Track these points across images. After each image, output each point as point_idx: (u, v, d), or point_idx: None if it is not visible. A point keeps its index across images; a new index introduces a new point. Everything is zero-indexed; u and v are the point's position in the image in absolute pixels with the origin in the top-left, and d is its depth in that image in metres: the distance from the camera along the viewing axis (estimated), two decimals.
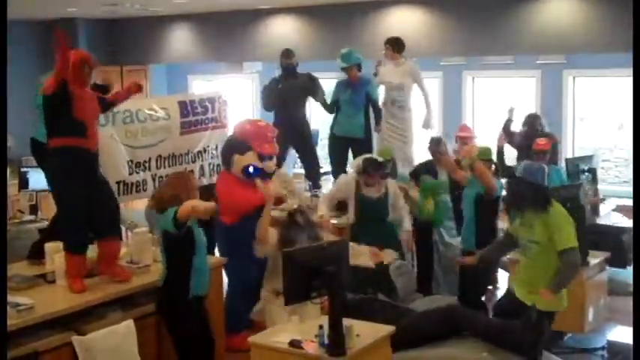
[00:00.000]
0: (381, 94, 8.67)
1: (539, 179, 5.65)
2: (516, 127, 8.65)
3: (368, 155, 7.40)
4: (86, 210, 5.50)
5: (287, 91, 8.28)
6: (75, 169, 5.44)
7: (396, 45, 8.61)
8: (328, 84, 8.75)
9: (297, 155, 9.19)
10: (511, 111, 8.62)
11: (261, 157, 6.44)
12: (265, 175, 6.36)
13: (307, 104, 8.74)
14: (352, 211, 7.10)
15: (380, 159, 7.24)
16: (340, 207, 7.43)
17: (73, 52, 5.41)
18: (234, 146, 6.55)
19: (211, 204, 5.31)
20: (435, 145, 7.41)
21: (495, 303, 6.29)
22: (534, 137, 7.94)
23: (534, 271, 5.45)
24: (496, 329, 5.29)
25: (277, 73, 8.78)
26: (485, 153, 6.70)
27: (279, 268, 5.71)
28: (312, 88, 8.51)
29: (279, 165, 8.36)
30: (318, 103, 8.72)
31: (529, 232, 5.44)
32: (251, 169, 6.26)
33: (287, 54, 8.34)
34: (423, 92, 8.66)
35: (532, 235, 5.42)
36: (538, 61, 10.92)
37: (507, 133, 8.35)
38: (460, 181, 6.87)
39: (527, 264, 5.53)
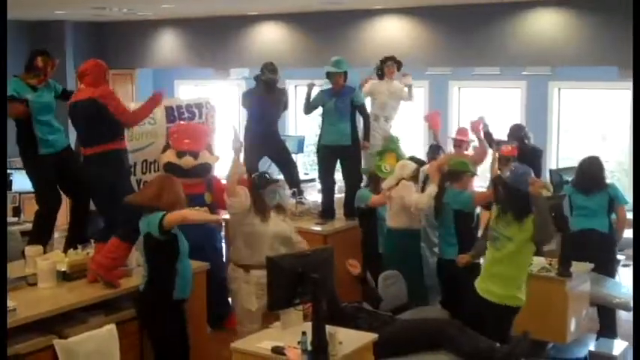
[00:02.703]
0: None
1: (523, 186, 5.65)
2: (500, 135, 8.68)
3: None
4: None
5: (266, 104, 8.32)
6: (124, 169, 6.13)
7: (399, 64, 8.68)
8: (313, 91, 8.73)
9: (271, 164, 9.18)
10: (482, 118, 8.67)
11: (179, 154, 6.81)
12: (183, 173, 6.56)
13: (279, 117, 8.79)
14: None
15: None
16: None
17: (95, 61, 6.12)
18: (163, 147, 7.12)
19: (202, 214, 5.35)
20: (432, 153, 7.80)
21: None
22: (523, 148, 8.01)
23: (502, 267, 5.59)
24: (475, 350, 5.31)
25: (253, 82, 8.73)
26: (457, 164, 6.72)
27: (239, 236, 6.20)
28: (284, 101, 8.59)
29: (249, 173, 8.44)
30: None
31: (505, 226, 5.60)
32: None
33: (273, 68, 8.35)
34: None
35: (506, 231, 5.57)
36: (524, 72, 10.97)
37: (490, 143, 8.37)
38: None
39: (496, 257, 5.64)
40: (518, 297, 5.65)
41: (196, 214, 5.34)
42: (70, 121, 6.24)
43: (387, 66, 8.62)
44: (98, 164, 5.95)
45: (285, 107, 8.69)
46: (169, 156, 6.89)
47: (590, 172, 7.25)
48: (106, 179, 5.93)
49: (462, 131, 8.23)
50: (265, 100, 8.28)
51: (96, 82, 6.01)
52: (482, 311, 5.65)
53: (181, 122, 7.47)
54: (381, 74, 8.69)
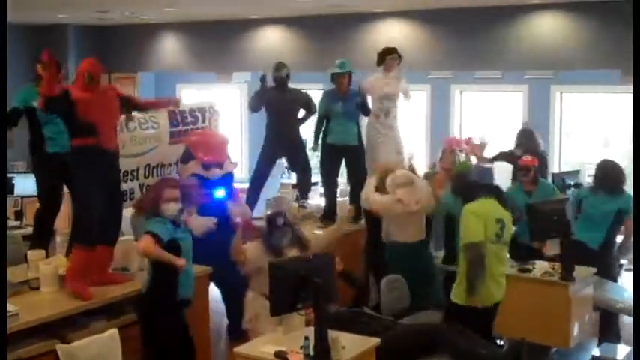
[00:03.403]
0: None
1: (480, 179, 5.73)
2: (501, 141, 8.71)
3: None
4: (97, 209, 5.64)
5: (276, 103, 8.26)
6: (89, 167, 5.69)
7: (401, 58, 8.55)
8: (315, 95, 8.71)
9: (285, 165, 9.14)
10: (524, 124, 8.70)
11: (205, 166, 6.60)
12: (209, 184, 6.48)
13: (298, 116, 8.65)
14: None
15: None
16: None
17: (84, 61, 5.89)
18: (181, 157, 6.92)
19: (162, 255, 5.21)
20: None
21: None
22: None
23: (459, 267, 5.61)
24: (475, 354, 5.30)
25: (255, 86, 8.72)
26: (463, 168, 6.77)
27: (259, 271, 5.84)
28: (304, 101, 8.45)
29: (262, 179, 8.39)
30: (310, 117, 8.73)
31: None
32: None
33: (276, 66, 8.32)
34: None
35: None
36: (526, 76, 10.95)
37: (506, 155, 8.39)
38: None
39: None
40: (464, 296, 5.53)
41: (163, 257, 5.22)
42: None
43: (391, 59, 8.41)
44: (81, 156, 5.76)
45: (310, 110, 8.48)
46: (195, 167, 6.76)
47: (614, 174, 7.21)
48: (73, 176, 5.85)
49: (453, 141, 8.22)
50: (278, 100, 8.21)
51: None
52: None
53: (200, 130, 7.34)
54: (380, 63, 8.54)
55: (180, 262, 5.13)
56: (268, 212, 6.71)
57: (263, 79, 8.41)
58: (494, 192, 5.68)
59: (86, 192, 5.65)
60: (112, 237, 5.91)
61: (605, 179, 7.18)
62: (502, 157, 8.35)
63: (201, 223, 5.71)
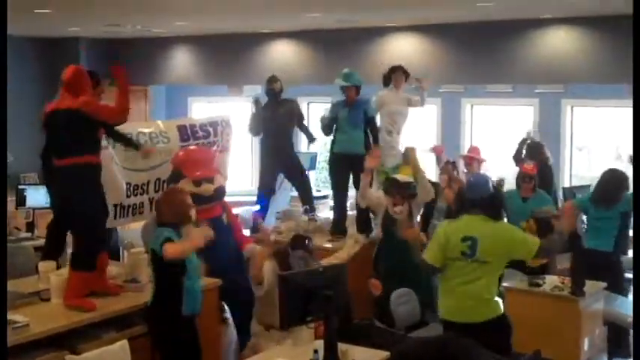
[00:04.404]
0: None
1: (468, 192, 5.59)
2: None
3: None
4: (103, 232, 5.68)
5: (271, 119, 8.31)
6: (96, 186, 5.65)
7: (407, 74, 8.61)
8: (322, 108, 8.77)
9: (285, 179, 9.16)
10: (529, 133, 8.71)
11: (196, 183, 6.51)
12: (203, 200, 6.35)
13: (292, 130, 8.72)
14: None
15: (403, 178, 6.98)
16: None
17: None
18: (170, 177, 6.72)
19: (195, 242, 5.25)
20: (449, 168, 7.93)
21: None
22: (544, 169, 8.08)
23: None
24: None
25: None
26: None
27: (274, 300, 5.63)
28: (295, 111, 8.52)
29: (269, 190, 8.39)
30: (302, 128, 8.78)
31: None
32: None
33: (269, 79, 8.36)
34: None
35: None
36: (536, 90, 10.97)
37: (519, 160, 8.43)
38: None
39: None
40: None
41: (189, 246, 5.25)
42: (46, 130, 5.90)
43: (396, 76, 8.52)
44: (69, 177, 5.59)
45: (300, 119, 8.56)
46: (186, 185, 6.70)
47: (612, 185, 7.10)
48: (75, 194, 5.60)
49: (473, 149, 8.24)
50: (273, 114, 8.26)
51: (78, 92, 5.60)
52: None
53: (190, 147, 7.22)
54: (387, 83, 8.62)
55: (208, 232, 5.34)
56: (293, 234, 6.65)
57: (256, 101, 8.44)
58: (482, 204, 5.31)
59: (93, 213, 5.57)
60: (106, 243, 5.99)
61: (603, 192, 7.10)
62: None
63: (198, 234, 5.64)
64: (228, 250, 6.45)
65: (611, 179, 7.15)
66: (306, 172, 8.95)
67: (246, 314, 6.60)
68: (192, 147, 7.24)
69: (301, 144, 12.73)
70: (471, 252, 5.16)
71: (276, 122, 8.31)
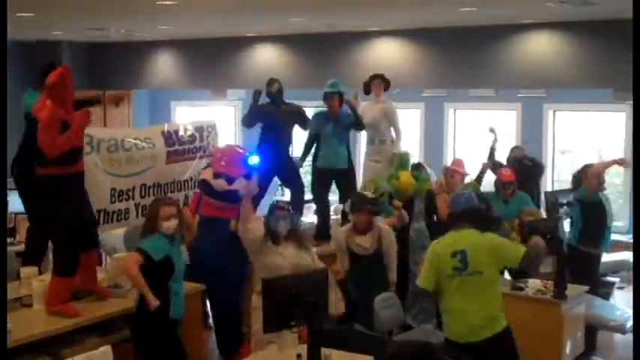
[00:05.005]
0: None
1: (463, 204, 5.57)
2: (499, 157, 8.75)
3: (356, 192, 7.24)
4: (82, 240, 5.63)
5: (271, 120, 8.26)
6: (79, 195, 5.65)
7: (387, 82, 8.65)
8: (310, 113, 8.72)
9: (279, 183, 9.15)
10: (492, 130, 8.73)
11: (215, 175, 6.66)
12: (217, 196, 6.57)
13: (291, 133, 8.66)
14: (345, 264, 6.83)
15: (369, 194, 7.03)
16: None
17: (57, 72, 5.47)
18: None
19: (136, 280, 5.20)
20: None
21: None
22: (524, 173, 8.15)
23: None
24: None
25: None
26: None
27: (260, 268, 5.82)
28: (297, 118, 8.45)
29: (259, 194, 8.37)
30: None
31: None
32: None
33: (268, 82, 8.34)
34: (396, 132, 8.71)
35: None
36: (519, 94, 11.02)
37: (493, 163, 8.42)
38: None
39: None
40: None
41: (133, 278, 5.21)
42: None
43: (375, 84, 8.60)
44: (50, 187, 5.54)
45: (304, 125, 8.43)
46: (207, 174, 6.79)
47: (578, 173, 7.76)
48: (57, 203, 5.55)
49: (457, 162, 8.20)
50: (273, 115, 8.17)
51: (61, 96, 5.44)
52: None
53: (230, 144, 7.53)
54: (367, 91, 8.69)
55: (154, 303, 5.05)
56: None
57: (255, 94, 8.40)
58: (468, 217, 5.28)
59: (73, 222, 5.53)
60: (96, 242, 6.02)
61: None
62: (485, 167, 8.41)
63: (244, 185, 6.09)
64: (236, 255, 6.34)
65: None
66: (302, 179, 8.84)
67: (235, 319, 6.60)
68: (232, 144, 7.38)
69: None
70: (462, 265, 5.08)
71: (276, 125, 8.21)
